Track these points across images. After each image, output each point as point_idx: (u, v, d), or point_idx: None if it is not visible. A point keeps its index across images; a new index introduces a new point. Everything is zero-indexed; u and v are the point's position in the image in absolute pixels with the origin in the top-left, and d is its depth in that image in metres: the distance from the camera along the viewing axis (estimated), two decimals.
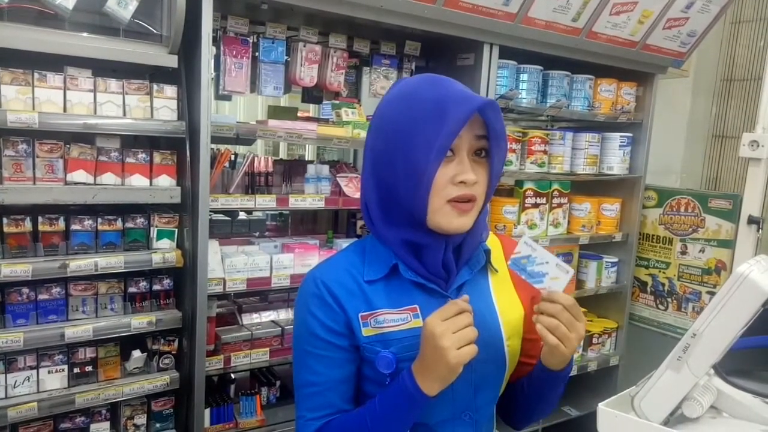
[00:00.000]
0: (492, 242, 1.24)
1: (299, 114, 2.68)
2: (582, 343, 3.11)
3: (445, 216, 1.06)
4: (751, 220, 2.70)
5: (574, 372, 3.07)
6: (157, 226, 1.98)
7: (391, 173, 1.08)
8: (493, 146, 1.08)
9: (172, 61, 1.88)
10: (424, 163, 1.02)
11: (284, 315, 2.51)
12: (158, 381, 1.99)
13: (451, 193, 1.05)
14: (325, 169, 2.38)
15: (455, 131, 1.01)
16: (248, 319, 2.42)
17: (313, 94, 2.69)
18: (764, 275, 0.96)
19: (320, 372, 1.11)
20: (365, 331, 1.10)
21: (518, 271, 1.07)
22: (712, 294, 3.10)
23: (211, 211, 2.02)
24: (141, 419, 2.03)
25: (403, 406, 1.04)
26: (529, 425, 1.30)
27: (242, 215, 2.74)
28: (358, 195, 2.36)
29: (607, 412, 1.09)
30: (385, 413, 1.06)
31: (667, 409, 1.05)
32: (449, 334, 0.98)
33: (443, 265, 1.12)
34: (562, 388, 1.18)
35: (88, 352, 1.92)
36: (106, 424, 1.99)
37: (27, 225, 1.80)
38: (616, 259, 3.27)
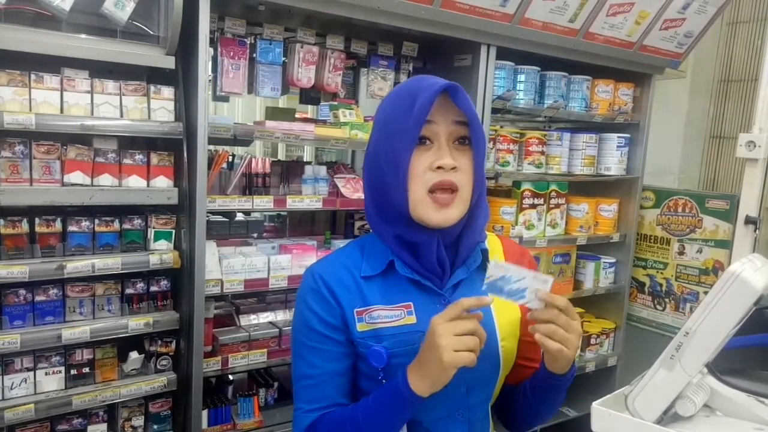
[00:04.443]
0: (492, 242, 1.25)
1: (297, 115, 2.68)
2: (580, 344, 3.12)
3: (425, 209, 1.08)
4: (748, 221, 2.69)
5: None
6: (154, 228, 1.98)
7: (378, 168, 1.11)
8: (471, 131, 1.10)
9: (169, 63, 1.88)
10: (399, 151, 1.06)
11: (282, 316, 2.51)
12: (156, 382, 1.99)
13: (430, 180, 1.07)
14: (323, 170, 2.38)
15: (422, 116, 1.05)
16: (246, 320, 2.42)
17: (311, 95, 2.70)
18: (756, 274, 0.96)
19: (317, 365, 1.13)
20: (359, 327, 1.12)
21: (496, 294, 1.03)
22: None
23: (208, 212, 2.02)
24: (138, 421, 2.03)
25: (394, 404, 1.05)
26: (528, 431, 1.31)
27: (240, 216, 2.75)
28: (355, 196, 2.37)
29: (600, 411, 1.09)
30: (377, 410, 1.07)
31: (660, 408, 1.05)
32: (449, 334, 0.98)
33: (439, 262, 1.13)
34: (564, 394, 1.19)
35: (86, 354, 1.92)
36: (104, 426, 1.98)
37: (24, 226, 1.80)
38: (613, 260, 3.27)
